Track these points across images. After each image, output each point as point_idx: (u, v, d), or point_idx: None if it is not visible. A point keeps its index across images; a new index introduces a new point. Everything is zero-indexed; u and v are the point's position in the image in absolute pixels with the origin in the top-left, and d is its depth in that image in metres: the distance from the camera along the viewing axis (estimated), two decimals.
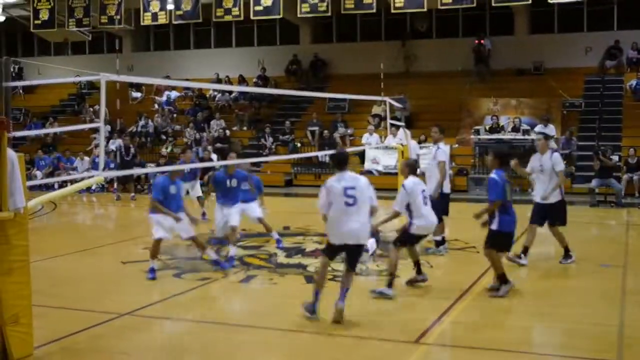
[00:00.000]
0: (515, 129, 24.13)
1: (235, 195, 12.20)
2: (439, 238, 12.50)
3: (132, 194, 22.49)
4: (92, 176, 10.14)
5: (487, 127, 24.63)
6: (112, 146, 25.41)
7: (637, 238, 13.25)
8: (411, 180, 9.85)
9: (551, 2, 23.57)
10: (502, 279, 9.41)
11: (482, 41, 28.32)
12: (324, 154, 24.01)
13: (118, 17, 26.85)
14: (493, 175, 9.66)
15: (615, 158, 20.88)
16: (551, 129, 24.00)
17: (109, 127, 26.32)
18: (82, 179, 12.43)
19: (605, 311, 8.90)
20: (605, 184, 19.82)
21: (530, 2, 22.89)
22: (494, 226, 9.56)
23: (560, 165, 11.68)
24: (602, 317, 8.63)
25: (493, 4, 23.30)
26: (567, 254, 11.72)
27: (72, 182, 18.92)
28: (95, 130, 25.42)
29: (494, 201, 9.52)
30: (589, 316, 8.68)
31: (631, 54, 27.01)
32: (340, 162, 8.66)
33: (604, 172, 19.95)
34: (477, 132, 24.51)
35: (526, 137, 23.67)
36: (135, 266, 11.59)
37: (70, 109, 33.66)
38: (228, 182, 12.08)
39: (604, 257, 12.32)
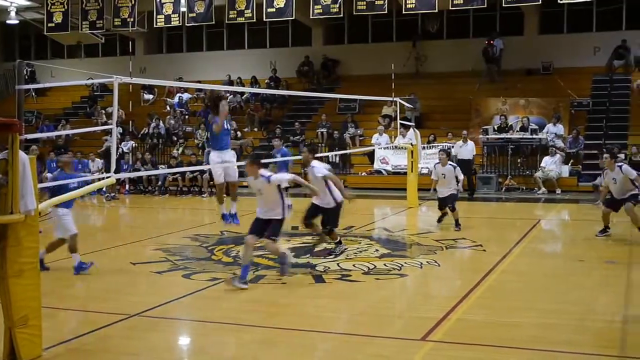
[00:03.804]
0: (524, 129, 24.21)
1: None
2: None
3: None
4: (103, 178, 10.24)
5: (496, 127, 24.70)
6: (124, 148, 25.62)
7: None
8: None
9: (561, 2, 23.58)
10: None
11: (492, 42, 28.35)
12: (334, 155, 24.17)
13: (131, 19, 27.04)
14: None
15: (622, 156, 20.93)
16: (560, 129, 24.12)
17: (120, 129, 26.53)
18: (94, 180, 12.57)
19: (609, 307, 9.00)
20: None
21: (540, 2, 22.93)
22: None
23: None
24: (606, 313, 8.73)
25: (503, 5, 23.35)
26: None
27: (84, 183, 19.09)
28: (107, 132, 25.60)
29: None
30: (594, 312, 8.75)
31: (639, 53, 26.92)
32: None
33: None
34: (486, 131, 24.60)
35: (534, 136, 23.78)
36: (145, 267, 11.70)
37: (82, 111, 33.90)
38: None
39: (609, 254, 12.41)
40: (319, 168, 12.16)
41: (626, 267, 11.40)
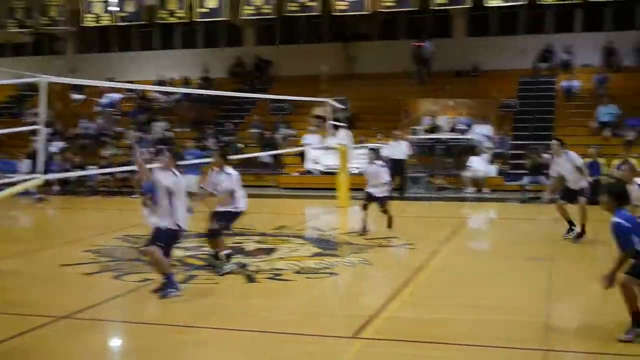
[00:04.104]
0: (453, 129, 24.60)
1: None
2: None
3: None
4: (32, 179, 10.08)
5: (425, 127, 25.02)
6: (53, 148, 25.19)
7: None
8: None
9: (488, 5, 24.00)
10: None
11: (421, 44, 28.65)
12: (265, 155, 24.20)
13: (61, 18, 26.67)
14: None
15: (547, 156, 21.43)
16: (487, 129, 24.57)
17: (49, 130, 26.06)
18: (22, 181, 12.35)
19: (534, 303, 9.23)
20: (536, 181, 20.51)
21: (470, 5, 23.29)
22: None
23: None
24: (531, 309, 8.94)
25: (433, 7, 23.66)
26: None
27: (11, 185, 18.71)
28: (35, 133, 25.12)
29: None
30: (519, 308, 8.97)
31: (563, 56, 27.70)
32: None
33: (535, 169, 20.69)
34: (415, 132, 24.87)
35: (462, 137, 24.16)
36: (75, 269, 11.55)
37: (9, 112, 33.16)
38: None
39: (534, 251, 12.72)
40: (230, 177, 11.61)
41: (549, 263, 11.70)
